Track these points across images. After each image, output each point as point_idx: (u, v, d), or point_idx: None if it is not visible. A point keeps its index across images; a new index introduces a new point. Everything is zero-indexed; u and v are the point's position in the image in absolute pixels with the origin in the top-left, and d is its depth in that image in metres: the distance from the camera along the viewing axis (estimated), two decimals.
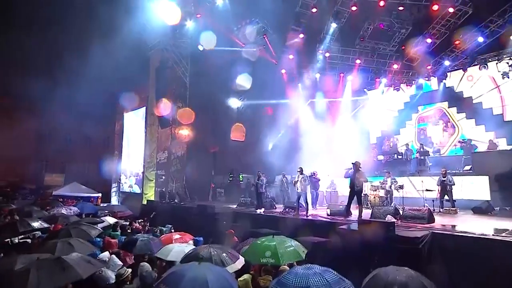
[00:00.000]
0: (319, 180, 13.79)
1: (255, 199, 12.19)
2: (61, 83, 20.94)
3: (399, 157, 16.26)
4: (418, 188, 11.93)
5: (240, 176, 18.41)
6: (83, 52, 19.31)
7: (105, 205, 21.82)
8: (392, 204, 11.42)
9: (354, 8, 14.53)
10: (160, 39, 16.76)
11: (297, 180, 11.03)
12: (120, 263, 5.70)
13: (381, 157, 17.38)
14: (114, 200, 24.35)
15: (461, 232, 7.05)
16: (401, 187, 11.95)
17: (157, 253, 5.91)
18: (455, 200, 11.02)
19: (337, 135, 18.86)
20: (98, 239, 7.62)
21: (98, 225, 8.71)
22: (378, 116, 20.08)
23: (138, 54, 18.98)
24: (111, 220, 9.54)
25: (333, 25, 15.29)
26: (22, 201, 21.14)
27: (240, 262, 4.81)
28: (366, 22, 15.21)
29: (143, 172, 20.70)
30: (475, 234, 6.77)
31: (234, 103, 18.94)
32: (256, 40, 16.00)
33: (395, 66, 16.89)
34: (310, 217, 10.36)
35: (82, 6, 17.55)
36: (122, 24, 16.46)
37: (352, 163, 9.93)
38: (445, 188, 11.01)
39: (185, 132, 18.06)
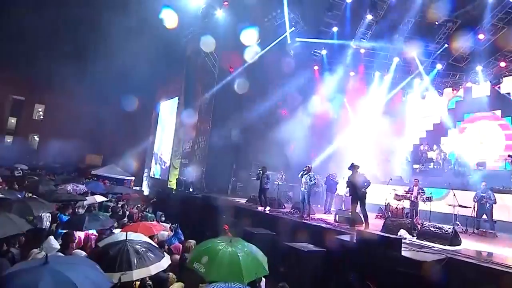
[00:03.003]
0: (337, 183, 12.01)
1: (258, 196, 10.74)
2: (104, 72, 21.38)
3: (436, 166, 13.89)
4: (450, 203, 9.69)
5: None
6: (124, 41, 19.34)
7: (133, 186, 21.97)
8: (415, 218, 9.45)
9: None
10: (192, 28, 16.05)
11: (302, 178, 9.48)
12: (57, 246, 4.70)
13: (416, 166, 15.03)
14: (145, 185, 24.38)
15: (496, 263, 5.04)
16: (429, 199, 9.87)
17: (100, 242, 4.89)
18: (495, 221, 8.73)
19: (369, 139, 16.77)
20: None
21: (84, 202, 7.97)
22: (417, 122, 17.55)
23: (175, 43, 18.49)
24: (98, 199, 8.78)
25: (369, 17, 13.32)
26: (64, 176, 21.74)
27: (158, 266, 3.56)
28: (406, 14, 13.02)
29: (170, 161, 20.28)
30: None
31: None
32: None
33: (439, 66, 14.40)
34: (313, 221, 8.76)
35: None
36: (159, 12, 16.06)
37: (350, 167, 8.21)
38: (484, 205, 8.78)
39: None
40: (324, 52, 16.25)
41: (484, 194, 8.87)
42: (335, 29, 14.87)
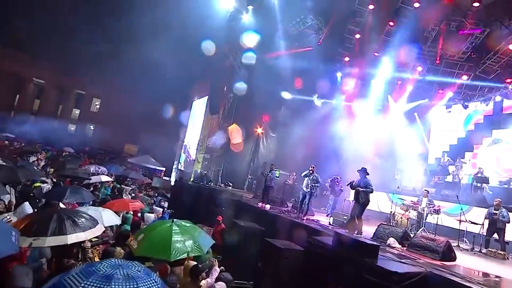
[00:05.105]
0: (341, 187, 11.17)
1: (262, 193, 10.23)
2: (145, 73, 22.19)
3: (453, 180, 12.42)
4: (462, 219, 8.50)
5: (277, 172, 16.47)
6: (168, 44, 19.81)
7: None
8: (420, 230, 8.42)
9: (417, 5, 11.41)
10: (221, 31, 16.03)
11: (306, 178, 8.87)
12: (30, 211, 4.65)
13: (433, 178, 13.61)
14: (173, 176, 24.80)
15: (482, 284, 4.16)
16: (437, 211, 8.76)
17: None
18: (507, 242, 7.49)
19: (389, 149, 15.52)
20: None
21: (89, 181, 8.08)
22: (441, 135, 15.92)
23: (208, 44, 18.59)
24: (104, 178, 8.85)
25: (392, 24, 12.33)
26: (105, 161, 22.79)
27: (78, 237, 3.28)
28: (430, 22, 11.84)
29: (195, 155, 20.43)
30: None
31: (286, 95, 16.88)
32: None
33: (465, 78, 12.94)
34: (306, 222, 8.14)
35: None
36: (191, 13, 16.25)
37: (360, 170, 7.43)
38: (495, 223, 7.56)
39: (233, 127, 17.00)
40: (346, 59, 15.38)
41: (496, 212, 7.65)
42: (357, 36, 14.01)
